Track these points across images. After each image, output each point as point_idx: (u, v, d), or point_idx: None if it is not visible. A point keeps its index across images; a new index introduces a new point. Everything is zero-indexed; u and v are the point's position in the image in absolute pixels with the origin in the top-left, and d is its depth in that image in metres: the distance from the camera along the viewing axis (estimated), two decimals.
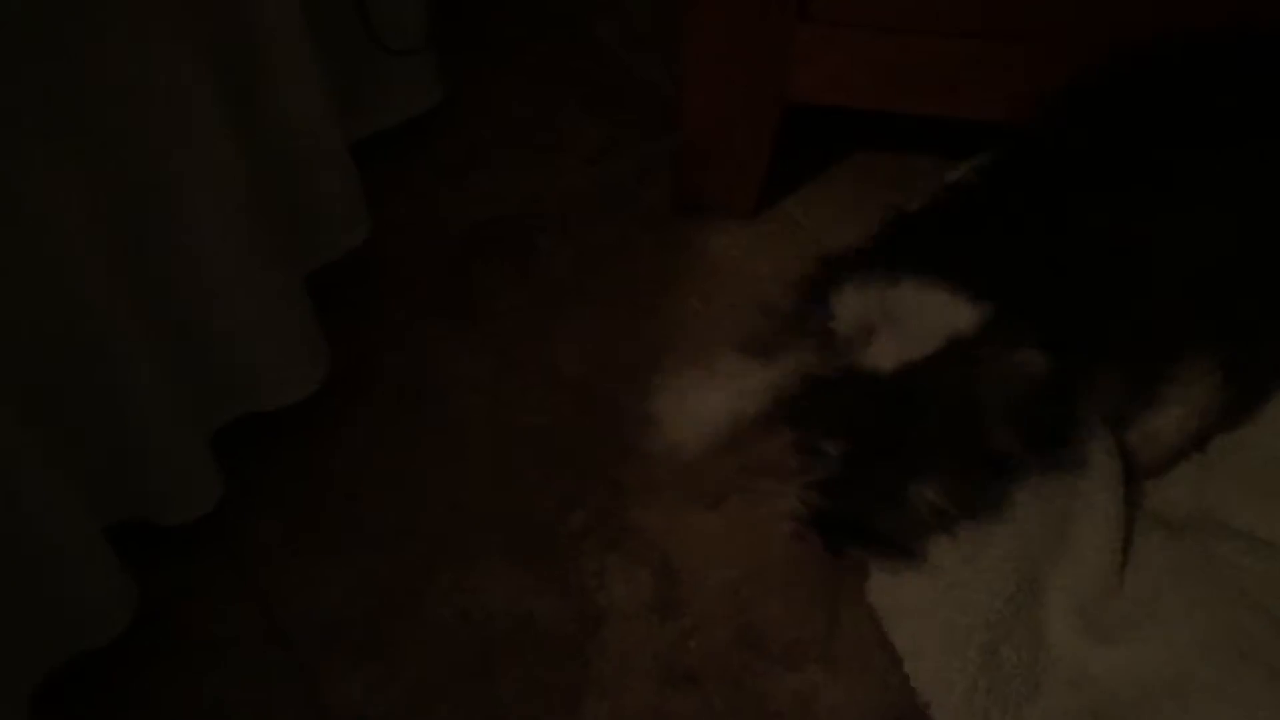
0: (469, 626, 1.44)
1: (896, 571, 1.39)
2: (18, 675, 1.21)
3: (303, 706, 1.37)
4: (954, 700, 1.30)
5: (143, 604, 1.35)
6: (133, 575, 1.34)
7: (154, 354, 1.25)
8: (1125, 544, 1.38)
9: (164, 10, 1.10)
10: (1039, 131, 1.49)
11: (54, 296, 1.12)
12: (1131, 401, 1.41)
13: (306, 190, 1.48)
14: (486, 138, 1.96)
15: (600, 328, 1.71)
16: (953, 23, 1.53)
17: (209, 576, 1.48)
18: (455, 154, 1.93)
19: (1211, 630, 1.29)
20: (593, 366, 1.67)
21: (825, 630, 1.44)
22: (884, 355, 1.29)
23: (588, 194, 1.91)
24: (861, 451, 1.24)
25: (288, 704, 1.38)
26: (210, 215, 1.24)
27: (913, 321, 1.31)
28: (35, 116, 1.02)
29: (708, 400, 1.54)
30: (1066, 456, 1.37)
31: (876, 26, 1.57)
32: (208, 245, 1.26)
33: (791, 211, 1.89)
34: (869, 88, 1.67)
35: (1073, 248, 1.32)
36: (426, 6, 1.77)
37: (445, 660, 1.42)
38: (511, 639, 1.42)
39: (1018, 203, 1.38)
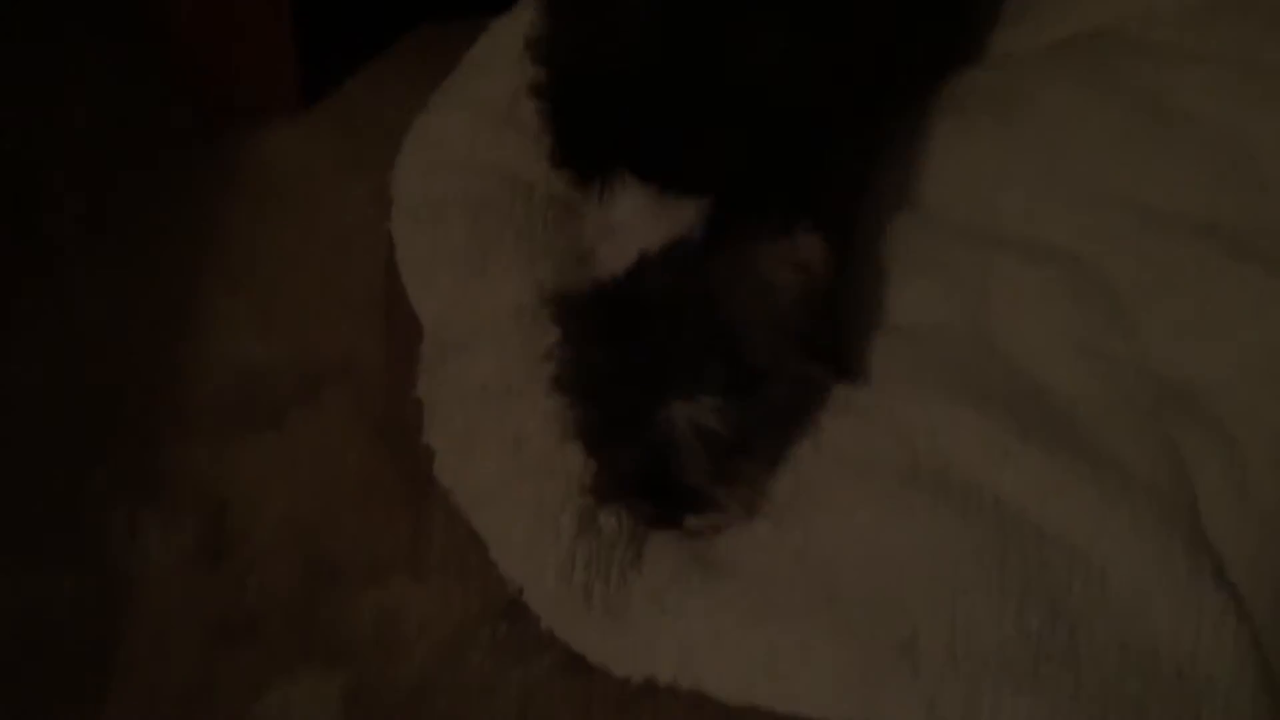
0: None
1: (468, 451, 1.14)
2: None
3: None
4: (549, 581, 1.07)
5: None
6: None
7: None
8: None
9: None
10: None
11: None
12: None
13: None
14: None
15: (117, 259, 1.40)
16: None
17: None
18: None
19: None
20: (110, 304, 1.36)
21: (411, 537, 1.18)
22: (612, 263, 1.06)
23: (98, 130, 1.59)
24: (609, 381, 1.03)
25: None
26: None
27: (632, 228, 1.08)
28: None
29: None
30: None
31: None
32: None
33: (354, 95, 1.62)
34: None
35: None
36: None
37: None
38: (8, 643, 1.10)
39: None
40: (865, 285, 1.20)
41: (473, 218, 1.34)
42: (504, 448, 1.14)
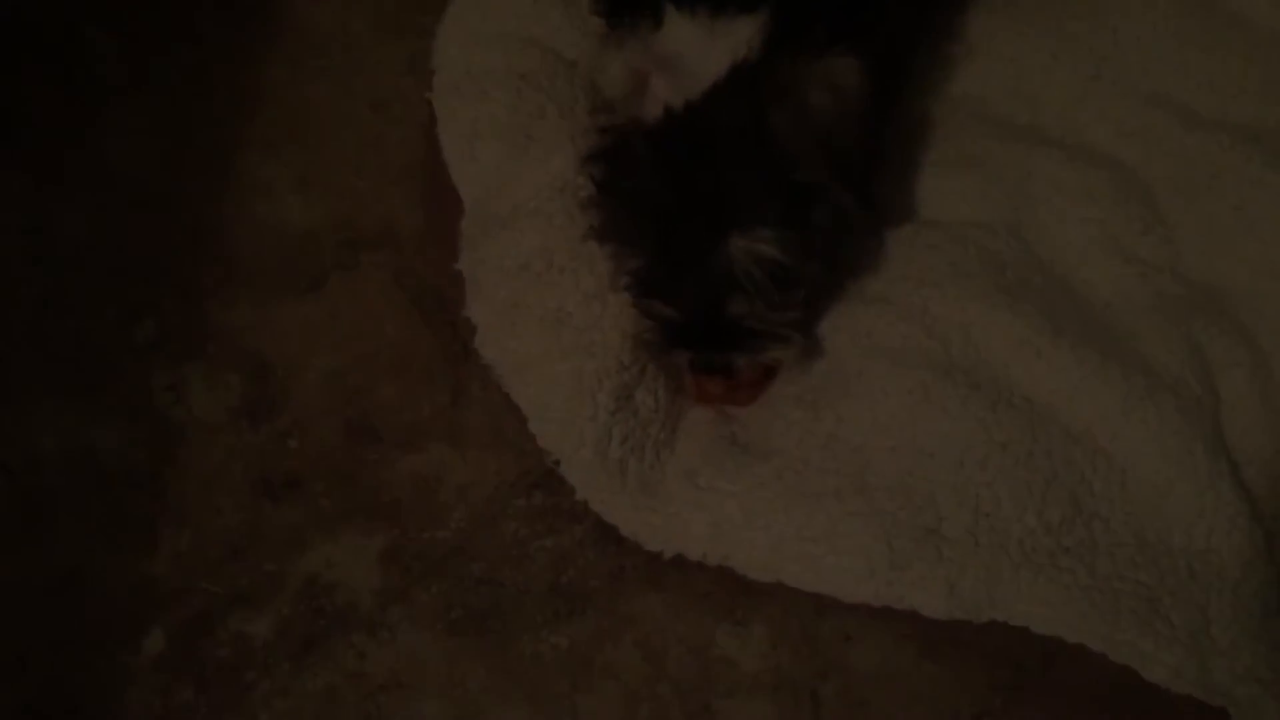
0: (7, 479, 1.14)
1: (510, 326, 1.16)
2: None
3: None
4: (585, 454, 1.10)
5: None
6: None
7: None
8: None
9: None
10: None
11: None
12: None
13: None
14: None
15: (160, 121, 1.39)
16: None
17: None
18: None
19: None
20: (154, 165, 1.36)
21: (449, 405, 1.21)
22: (661, 104, 1.04)
23: None
24: (667, 219, 1.02)
25: None
26: None
27: (687, 57, 1.07)
28: None
29: None
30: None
31: None
32: None
33: None
34: None
35: None
36: None
37: None
38: (66, 483, 1.14)
39: None
40: (906, 177, 1.21)
41: (515, 92, 1.34)
42: (545, 325, 1.16)
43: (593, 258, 1.17)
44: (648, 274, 1.05)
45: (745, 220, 1.00)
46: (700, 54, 1.07)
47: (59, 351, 1.26)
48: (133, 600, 1.13)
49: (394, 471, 1.19)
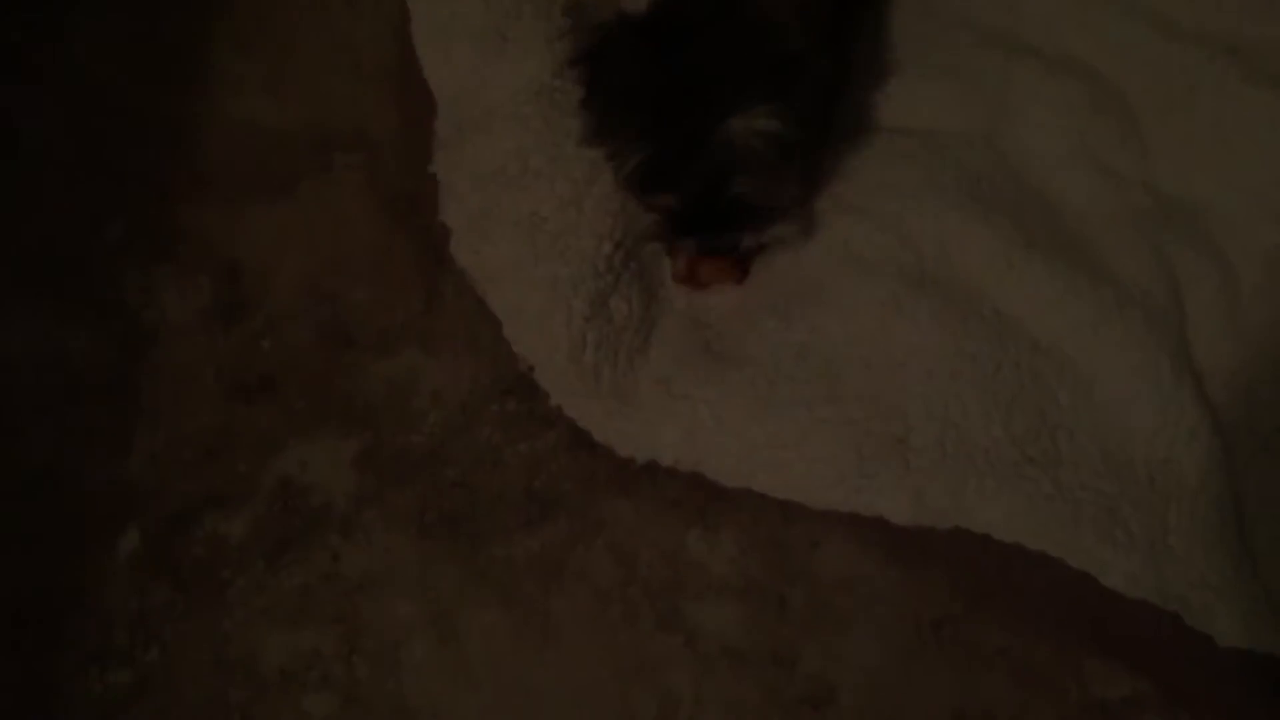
0: None
1: (484, 231, 1.15)
2: None
3: None
4: (559, 360, 1.10)
5: None
6: None
7: None
8: None
9: None
10: None
11: None
12: None
13: None
14: None
15: (130, 17, 1.37)
16: None
17: None
18: None
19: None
20: (123, 63, 1.34)
21: (423, 310, 1.21)
22: None
23: None
24: (663, 109, 1.01)
25: None
26: None
27: None
28: None
29: None
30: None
31: None
32: None
33: None
34: None
35: None
36: None
37: None
38: (37, 385, 1.14)
39: None
40: (885, 83, 1.20)
41: None
42: (520, 229, 1.16)
43: (569, 162, 1.16)
44: (648, 167, 1.04)
45: (742, 99, 1.00)
46: None
47: (27, 252, 1.25)
48: (107, 501, 1.13)
49: (368, 376, 1.19)
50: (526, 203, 1.15)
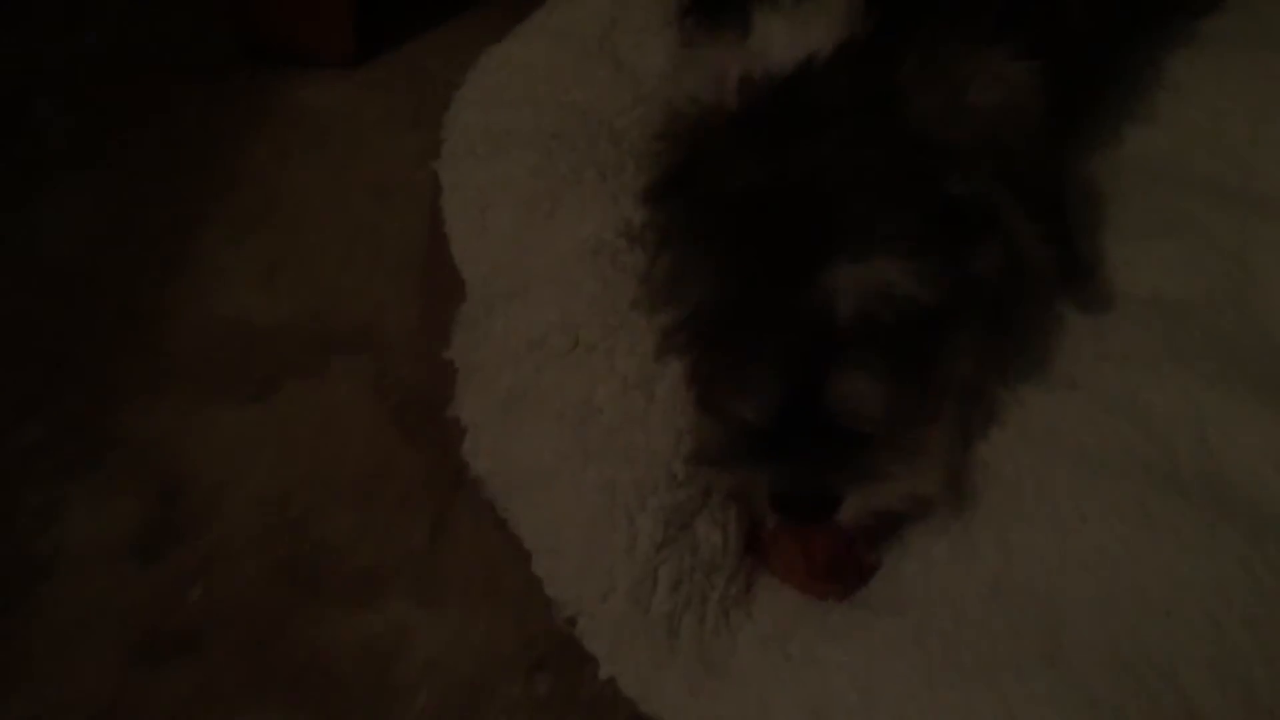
0: None
1: (514, 424, 0.80)
2: None
3: None
4: (616, 605, 0.73)
5: None
6: None
7: None
8: None
9: None
10: None
11: None
12: None
13: None
14: None
15: (108, 199, 1.11)
16: None
17: None
18: None
19: None
20: (91, 244, 1.06)
21: (425, 545, 0.83)
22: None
23: (114, 50, 1.32)
24: (750, 239, 0.68)
25: None
26: None
27: (778, 48, 0.75)
28: None
29: None
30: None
31: None
32: None
33: (411, 53, 1.33)
34: None
35: None
36: None
37: None
38: None
39: None
40: (1089, 243, 0.86)
41: (543, 153, 1.05)
42: (564, 422, 0.82)
43: (635, 332, 0.83)
44: (706, 325, 0.69)
45: (860, 235, 0.63)
46: (793, 41, 0.76)
47: None
48: None
49: (334, 636, 0.80)
50: (575, 385, 0.82)
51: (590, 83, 1.12)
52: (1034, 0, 0.78)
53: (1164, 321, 0.82)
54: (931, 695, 0.68)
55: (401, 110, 1.32)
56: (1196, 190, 0.94)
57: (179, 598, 0.86)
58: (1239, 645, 0.67)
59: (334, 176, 1.23)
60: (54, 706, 0.81)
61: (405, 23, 1.40)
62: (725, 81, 0.79)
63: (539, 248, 0.98)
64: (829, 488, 0.66)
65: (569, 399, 0.84)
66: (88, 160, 1.24)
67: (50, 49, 1.36)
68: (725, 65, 0.78)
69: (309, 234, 1.17)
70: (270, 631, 0.84)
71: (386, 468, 0.95)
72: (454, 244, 1.04)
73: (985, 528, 0.73)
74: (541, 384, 0.86)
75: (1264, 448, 0.74)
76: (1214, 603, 0.68)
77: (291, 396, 1.00)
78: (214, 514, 0.90)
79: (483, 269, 1.01)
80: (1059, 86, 0.76)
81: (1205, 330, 0.82)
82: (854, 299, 0.66)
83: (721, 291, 0.69)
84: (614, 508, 0.78)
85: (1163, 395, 0.77)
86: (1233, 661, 0.66)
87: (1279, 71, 1.02)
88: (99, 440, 0.96)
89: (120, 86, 1.32)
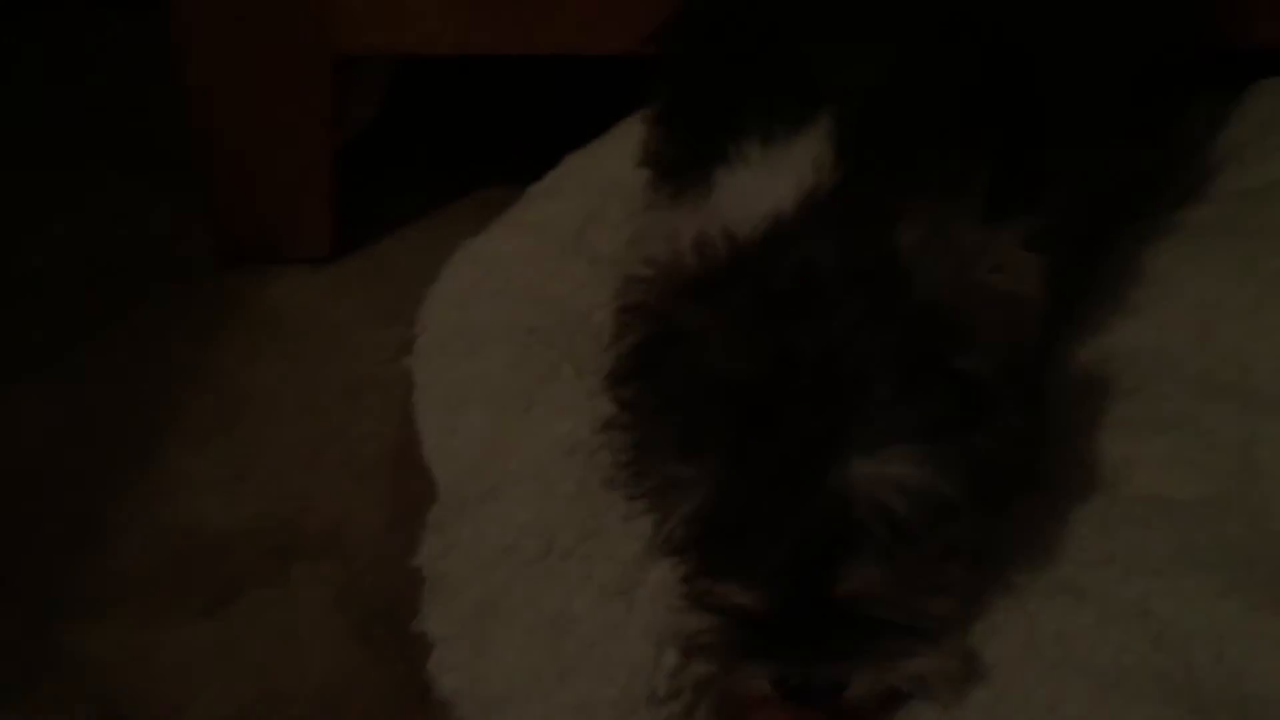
0: None
1: (483, 638, 0.76)
2: None
3: None
4: None
5: None
6: None
7: None
8: None
9: None
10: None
11: None
12: None
13: None
14: None
15: (60, 404, 1.14)
16: None
17: None
18: None
19: None
20: (38, 452, 1.02)
21: None
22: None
23: (88, 257, 1.31)
24: (753, 421, 0.65)
25: None
26: None
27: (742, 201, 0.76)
28: None
29: None
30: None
31: None
32: None
33: (387, 250, 1.33)
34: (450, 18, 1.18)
35: None
36: None
37: None
38: None
39: None
40: (1082, 442, 0.83)
41: (519, 348, 1.02)
42: (537, 635, 0.79)
43: (613, 538, 0.78)
44: (706, 528, 0.65)
45: (878, 427, 0.60)
46: (756, 197, 0.74)
47: None
48: None
49: None
50: (550, 595, 0.78)
51: (567, 277, 1.10)
52: (1023, 183, 0.76)
53: (1168, 522, 0.78)
54: None
55: (375, 307, 1.30)
56: (1190, 387, 0.91)
57: None
58: None
59: (304, 376, 1.20)
60: None
61: (379, 218, 1.39)
62: (678, 241, 0.76)
63: (513, 447, 0.94)
64: (842, 674, 0.62)
65: (543, 610, 0.80)
66: (46, 363, 1.20)
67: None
68: (679, 225, 0.76)
69: (276, 437, 1.13)
70: None
71: (349, 686, 0.88)
72: (425, 443, 1.01)
73: None
74: (513, 593, 0.81)
75: None
76: None
77: (248, 609, 0.94)
78: None
79: (454, 469, 0.97)
80: (1058, 280, 0.75)
81: (1212, 533, 0.78)
82: (870, 496, 0.62)
83: (724, 494, 0.65)
84: None
85: (1173, 603, 0.72)
86: None
87: (1263, 261, 1.00)
88: (32, 664, 0.89)
89: (90, 285, 1.30)
